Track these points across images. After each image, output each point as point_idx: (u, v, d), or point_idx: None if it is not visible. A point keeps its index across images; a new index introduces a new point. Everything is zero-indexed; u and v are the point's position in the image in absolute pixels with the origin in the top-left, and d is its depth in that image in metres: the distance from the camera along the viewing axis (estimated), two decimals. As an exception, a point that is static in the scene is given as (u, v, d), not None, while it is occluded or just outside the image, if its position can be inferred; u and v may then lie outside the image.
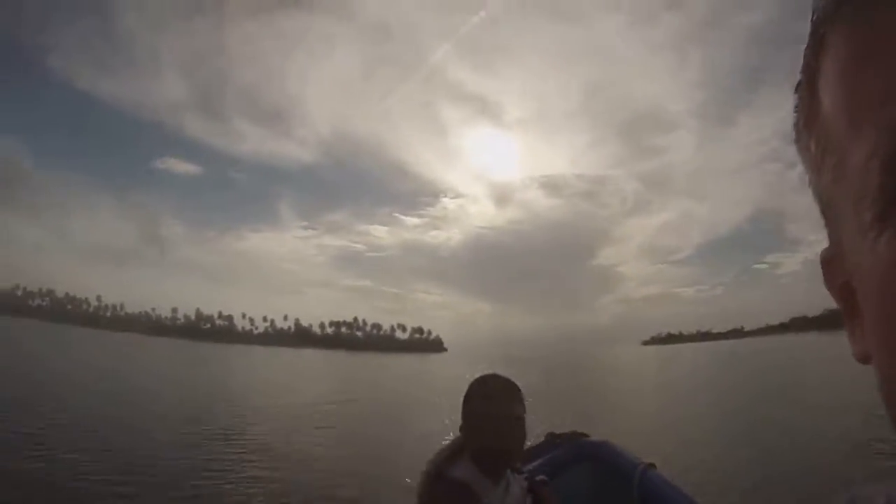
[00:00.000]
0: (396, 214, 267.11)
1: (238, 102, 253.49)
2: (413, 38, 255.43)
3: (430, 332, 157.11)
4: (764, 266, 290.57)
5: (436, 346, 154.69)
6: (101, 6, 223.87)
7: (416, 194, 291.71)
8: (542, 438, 2.69)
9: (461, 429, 1.70)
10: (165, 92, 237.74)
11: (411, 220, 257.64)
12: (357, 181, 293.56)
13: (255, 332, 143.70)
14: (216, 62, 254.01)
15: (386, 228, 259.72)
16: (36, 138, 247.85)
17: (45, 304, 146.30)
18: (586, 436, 2.71)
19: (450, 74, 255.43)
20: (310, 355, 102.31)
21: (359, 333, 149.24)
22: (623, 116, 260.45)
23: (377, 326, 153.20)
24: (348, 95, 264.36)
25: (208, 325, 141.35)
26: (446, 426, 12.51)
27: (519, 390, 1.70)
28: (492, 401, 1.66)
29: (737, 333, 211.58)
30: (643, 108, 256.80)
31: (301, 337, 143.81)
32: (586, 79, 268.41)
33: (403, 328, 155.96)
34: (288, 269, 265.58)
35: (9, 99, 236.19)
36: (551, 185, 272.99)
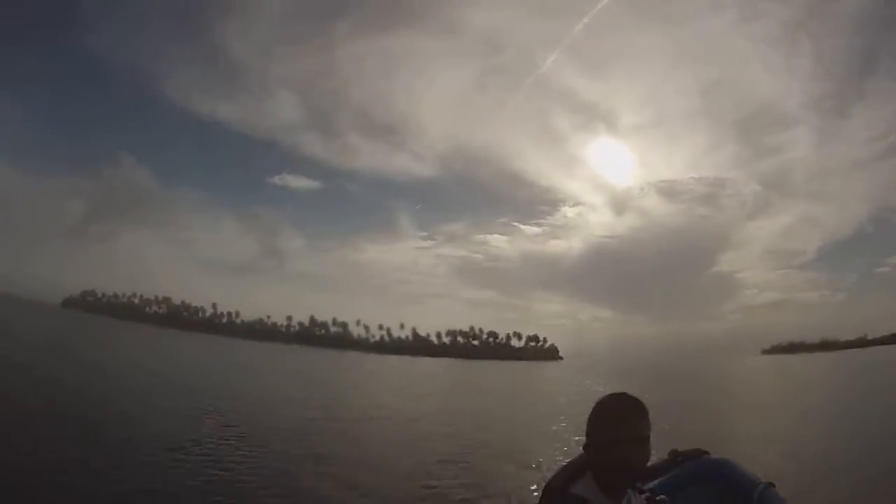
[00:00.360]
0: (515, 224, 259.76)
1: (352, 119, 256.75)
2: (522, 47, 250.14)
3: (544, 341, 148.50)
4: (886, 269, 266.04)
5: (551, 354, 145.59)
6: (213, 34, 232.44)
7: (534, 203, 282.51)
8: (665, 456, 2.70)
9: (585, 447, 1.68)
10: (280, 112, 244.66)
11: (530, 230, 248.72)
12: (475, 192, 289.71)
13: (372, 339, 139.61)
14: (329, 81, 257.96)
15: (505, 238, 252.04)
16: (159, 159, 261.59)
17: (161, 310, 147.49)
18: (707, 453, 2.71)
19: (561, 82, 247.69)
20: (426, 363, 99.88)
21: (475, 342, 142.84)
22: (739, 115, 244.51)
23: (493, 335, 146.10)
24: (461, 108, 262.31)
25: (322, 332, 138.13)
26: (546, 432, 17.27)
27: (644, 409, 1.67)
28: (617, 421, 1.62)
29: (861, 342, 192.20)
30: (759, 105, 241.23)
31: (418, 346, 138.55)
32: (699, 79, 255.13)
33: (519, 336, 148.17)
34: (407, 279, 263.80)
35: (132, 124, 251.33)
36: (669, 191, 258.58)
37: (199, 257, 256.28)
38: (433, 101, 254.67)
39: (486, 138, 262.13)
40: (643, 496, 1.79)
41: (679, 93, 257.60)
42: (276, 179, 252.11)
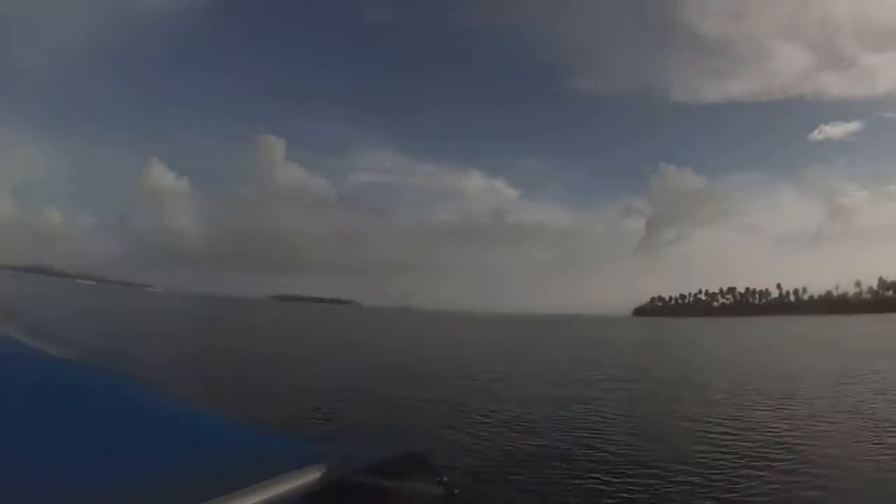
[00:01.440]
0: None
1: (854, 39, 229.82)
2: None
3: None
4: None
5: None
6: (685, 25, 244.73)
7: None
8: None
9: None
10: (786, 67, 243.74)
11: None
12: None
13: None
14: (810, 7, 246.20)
15: None
16: (695, 158, 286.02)
17: (727, 301, 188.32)
18: None
19: None
20: None
21: None
22: None
23: None
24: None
25: (890, 292, 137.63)
26: None
27: None
28: None
29: None
30: None
31: None
32: None
33: None
34: None
35: (657, 135, 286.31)
36: None
37: (764, 238, 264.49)
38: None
39: None
40: None
41: None
42: (816, 134, 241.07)
